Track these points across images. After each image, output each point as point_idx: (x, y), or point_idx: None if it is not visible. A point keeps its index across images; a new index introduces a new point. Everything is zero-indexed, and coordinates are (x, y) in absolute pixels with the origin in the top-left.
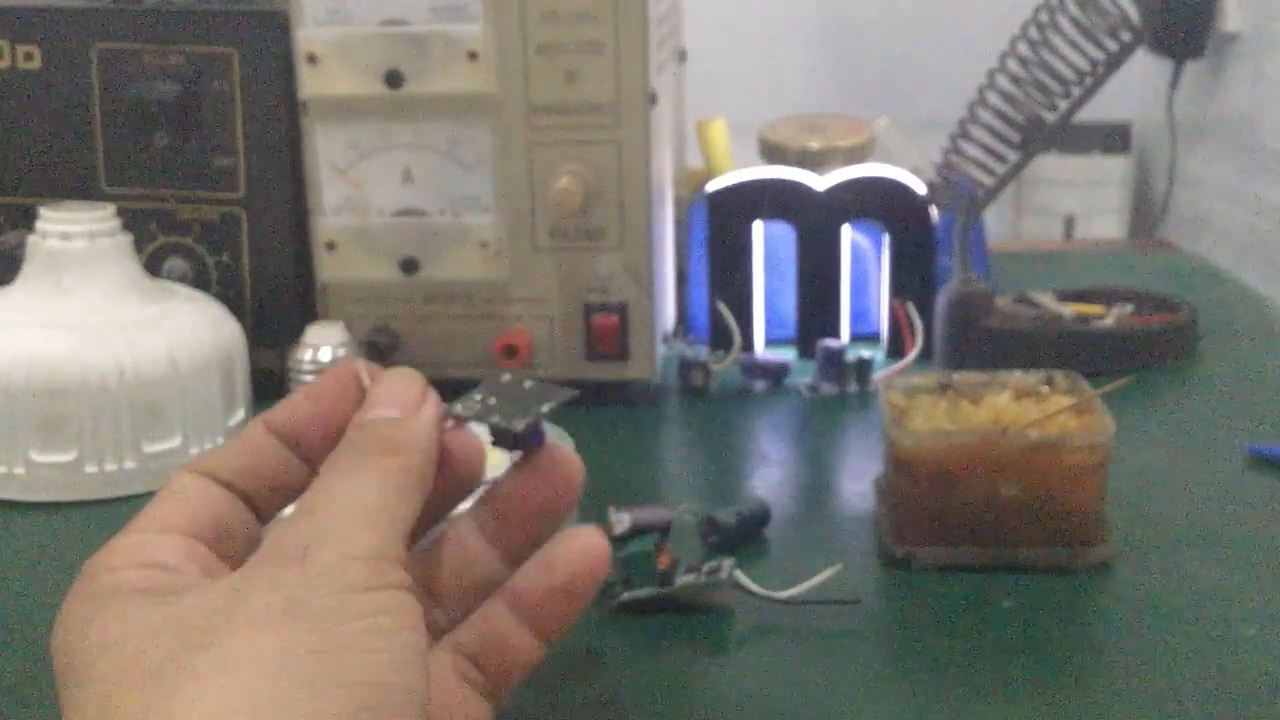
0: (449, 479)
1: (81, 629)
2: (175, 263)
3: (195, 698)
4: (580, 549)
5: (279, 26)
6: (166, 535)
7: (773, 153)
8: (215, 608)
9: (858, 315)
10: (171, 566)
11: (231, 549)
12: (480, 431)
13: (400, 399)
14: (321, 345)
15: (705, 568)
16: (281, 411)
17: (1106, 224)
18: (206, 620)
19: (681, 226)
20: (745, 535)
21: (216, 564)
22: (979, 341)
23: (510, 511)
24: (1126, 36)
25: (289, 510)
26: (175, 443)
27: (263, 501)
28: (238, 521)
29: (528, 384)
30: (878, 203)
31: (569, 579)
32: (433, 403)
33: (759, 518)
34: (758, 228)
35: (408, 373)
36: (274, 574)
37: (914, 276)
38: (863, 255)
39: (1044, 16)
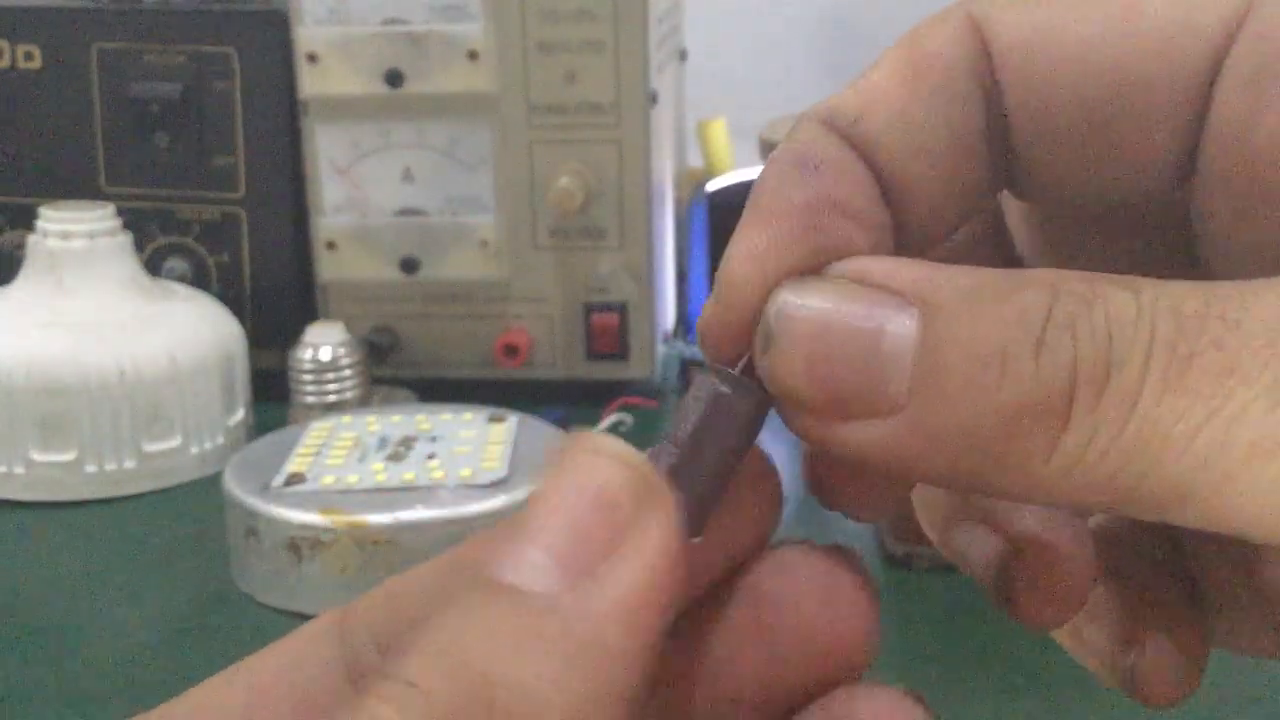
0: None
1: None
2: (175, 263)
3: None
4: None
5: (279, 26)
6: None
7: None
8: None
9: None
10: None
11: None
12: None
13: (572, 531)
14: (321, 345)
15: None
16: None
17: None
18: None
19: (681, 226)
20: None
21: None
22: None
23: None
24: None
25: None
26: (175, 442)
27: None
28: None
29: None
30: None
31: None
32: (666, 520)
33: None
34: None
35: (614, 445)
36: None
37: None
38: None
39: None
